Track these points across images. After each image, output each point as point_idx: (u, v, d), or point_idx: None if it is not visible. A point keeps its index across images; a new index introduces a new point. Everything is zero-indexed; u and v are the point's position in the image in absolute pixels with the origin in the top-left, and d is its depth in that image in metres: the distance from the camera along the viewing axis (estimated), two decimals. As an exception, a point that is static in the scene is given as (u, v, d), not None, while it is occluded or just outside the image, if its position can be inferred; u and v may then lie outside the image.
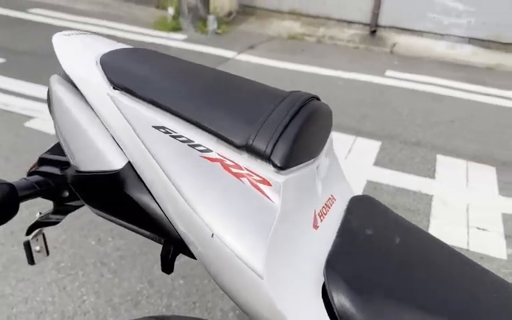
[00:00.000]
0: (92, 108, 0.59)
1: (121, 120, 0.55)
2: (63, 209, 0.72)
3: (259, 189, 0.49)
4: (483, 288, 0.55)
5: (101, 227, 1.99)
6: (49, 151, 0.72)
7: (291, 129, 0.50)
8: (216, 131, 0.51)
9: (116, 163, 0.56)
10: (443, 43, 5.57)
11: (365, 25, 5.85)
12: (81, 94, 0.61)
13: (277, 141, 0.49)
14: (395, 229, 0.60)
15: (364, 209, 0.63)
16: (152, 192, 0.54)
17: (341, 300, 0.47)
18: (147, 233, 0.57)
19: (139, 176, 0.55)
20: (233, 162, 0.50)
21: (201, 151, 0.51)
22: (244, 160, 0.50)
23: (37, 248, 0.80)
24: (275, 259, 0.46)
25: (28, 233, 0.74)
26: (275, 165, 0.49)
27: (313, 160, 0.56)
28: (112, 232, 1.96)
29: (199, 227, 0.48)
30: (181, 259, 1.83)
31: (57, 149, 0.74)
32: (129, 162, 0.56)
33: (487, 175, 2.67)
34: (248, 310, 0.49)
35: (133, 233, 1.85)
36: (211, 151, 0.51)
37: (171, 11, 5.30)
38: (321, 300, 0.48)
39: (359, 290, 0.47)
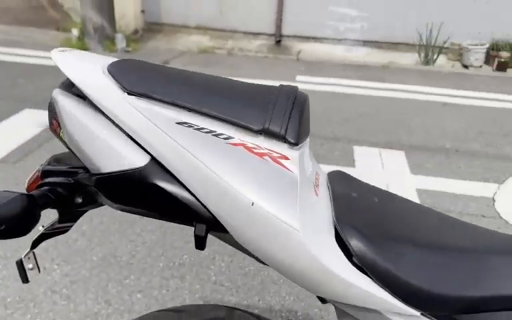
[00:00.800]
0: (104, 114, 0.64)
1: (142, 120, 0.61)
2: (70, 216, 0.75)
3: (279, 163, 0.59)
4: (446, 225, 0.71)
5: (42, 256, 1.91)
6: (48, 164, 0.75)
7: (294, 114, 0.61)
8: (235, 121, 0.60)
9: (139, 160, 0.62)
10: (341, 47, 6.07)
11: (270, 35, 6.17)
12: (89, 103, 0.65)
13: (288, 123, 0.60)
14: (370, 191, 0.74)
15: (342, 180, 0.75)
16: (182, 180, 0.60)
17: (354, 242, 0.58)
18: (177, 218, 0.64)
19: (163, 168, 0.62)
20: (254, 144, 0.59)
21: (224, 138, 0.59)
22: (262, 142, 0.59)
23: (30, 266, 0.80)
24: (303, 216, 0.56)
25: (33, 246, 0.75)
26: (289, 143, 0.59)
27: (306, 140, 0.67)
28: (56, 259, 1.89)
29: (235, 200, 0.57)
30: (131, 276, 1.84)
31: (55, 160, 0.76)
32: (152, 157, 0.62)
33: (398, 159, 3.01)
34: (283, 263, 0.58)
35: (80, 255, 1.82)
36: (232, 137, 0.59)
37: (75, 32, 5.12)
38: (336, 244, 0.59)
39: (366, 232, 0.59)
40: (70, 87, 0.69)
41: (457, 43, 5.67)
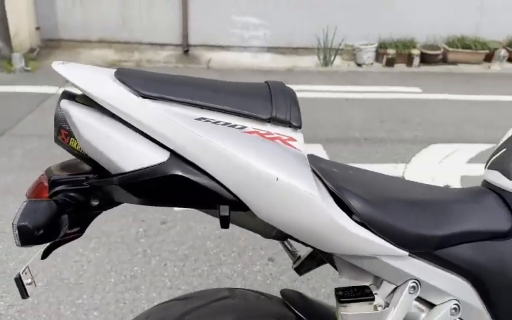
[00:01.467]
0: (118, 118, 0.69)
1: (163, 120, 0.68)
2: (81, 222, 0.78)
3: (289, 144, 0.69)
4: (410, 185, 0.88)
5: (-22, 292, 1.78)
6: (52, 174, 0.77)
7: (293, 103, 0.73)
8: (246, 113, 0.69)
9: (160, 155, 0.68)
10: (247, 54, 6.31)
11: (177, 46, 6.20)
12: (100, 109, 0.70)
13: (290, 111, 0.71)
14: (342, 166, 0.88)
15: (317, 159, 0.88)
16: (204, 168, 0.68)
17: (355, 202, 0.71)
18: (201, 204, 0.71)
19: (184, 160, 0.69)
20: (265, 131, 0.69)
21: (239, 128, 0.69)
22: (271, 128, 0.70)
23: (28, 280, 0.81)
24: (315, 184, 0.68)
25: (44, 256, 0.77)
26: (294, 127, 0.70)
27: None
28: (-4, 292, 1.78)
29: (259, 178, 0.66)
30: (84, 296, 1.80)
31: (55, 170, 0.78)
32: (171, 152, 0.69)
33: (317, 151, 3.27)
34: (304, 226, 0.68)
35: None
36: (246, 127, 0.69)
37: (-36, 53, 4.68)
38: (337, 206, 0.71)
39: (362, 194, 0.73)
40: (73, 97, 0.73)
41: (350, 44, 6.22)
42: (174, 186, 0.69)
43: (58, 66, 0.73)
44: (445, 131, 3.80)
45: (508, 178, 0.82)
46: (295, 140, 0.70)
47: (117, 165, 0.69)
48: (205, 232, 2.27)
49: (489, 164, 0.90)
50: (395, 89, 5.02)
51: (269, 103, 0.71)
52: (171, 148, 0.69)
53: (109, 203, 0.77)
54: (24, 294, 0.80)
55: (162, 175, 0.68)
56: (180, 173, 0.68)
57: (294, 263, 1.08)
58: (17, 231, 0.64)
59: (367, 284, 0.79)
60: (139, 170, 0.68)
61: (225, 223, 0.72)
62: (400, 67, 6.15)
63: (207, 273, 1.98)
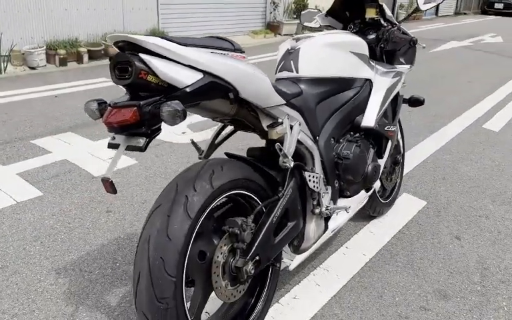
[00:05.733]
0: (169, 59, 1.30)
1: (197, 54, 1.31)
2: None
3: (244, 59, 1.49)
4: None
5: None
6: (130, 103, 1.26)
7: (234, 42, 1.52)
8: (225, 47, 1.43)
9: (198, 74, 1.27)
10: None
11: None
12: (160, 56, 1.28)
13: (238, 45, 1.50)
14: None
15: None
16: (221, 75, 1.35)
17: (277, 86, 1.59)
18: (220, 95, 1.39)
19: (210, 74, 1.37)
20: (236, 54, 1.46)
21: (226, 54, 1.42)
22: (237, 54, 1.46)
23: (113, 180, 1.30)
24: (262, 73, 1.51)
25: (143, 150, 1.27)
26: (242, 52, 1.50)
27: None
28: None
29: (245, 73, 1.41)
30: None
31: (123, 100, 1.27)
32: (203, 71, 1.36)
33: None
34: (263, 95, 1.47)
35: None
36: (228, 53, 1.43)
37: None
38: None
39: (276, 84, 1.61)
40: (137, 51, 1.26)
41: (17, 50, 6.17)
42: (209, 88, 1.34)
43: (123, 35, 1.24)
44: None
45: (290, 71, 1.87)
46: (245, 57, 1.51)
47: (181, 81, 1.28)
48: (36, 217, 2.45)
49: (277, 71, 1.93)
50: (81, 83, 5.58)
51: (230, 42, 1.48)
52: (203, 69, 1.33)
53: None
54: (114, 190, 1.28)
55: (204, 83, 1.34)
56: (211, 80, 1.36)
57: (200, 154, 1.83)
58: (181, 112, 1.18)
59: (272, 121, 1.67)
60: (194, 83, 1.32)
61: (234, 102, 1.45)
62: (73, 65, 6.62)
63: (68, 238, 2.27)
